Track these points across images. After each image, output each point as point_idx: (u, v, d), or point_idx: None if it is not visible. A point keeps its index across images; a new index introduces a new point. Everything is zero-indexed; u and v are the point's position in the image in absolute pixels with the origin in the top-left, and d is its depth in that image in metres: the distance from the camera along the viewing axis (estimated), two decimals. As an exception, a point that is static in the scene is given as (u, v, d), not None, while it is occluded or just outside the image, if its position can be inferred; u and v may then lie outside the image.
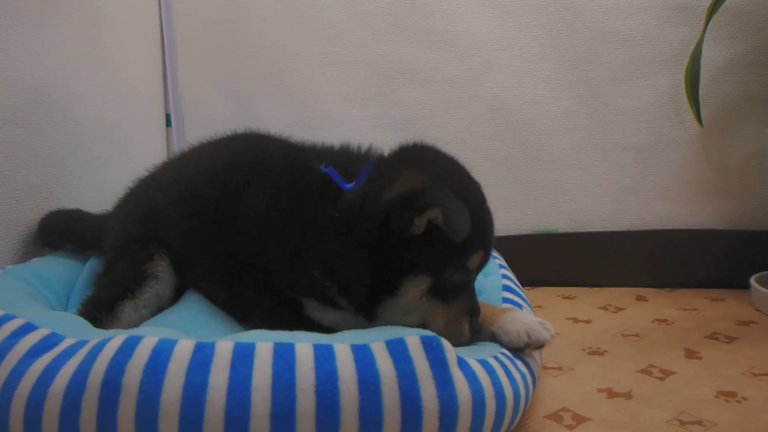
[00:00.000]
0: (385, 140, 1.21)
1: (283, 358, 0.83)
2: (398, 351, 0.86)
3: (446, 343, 0.89)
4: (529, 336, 1.05)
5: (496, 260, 1.60)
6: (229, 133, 1.38)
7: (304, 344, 0.86)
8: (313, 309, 1.10)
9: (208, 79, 2.28)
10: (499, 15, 2.09)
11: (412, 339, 0.88)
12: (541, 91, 2.09)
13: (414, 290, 1.01)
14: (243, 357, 0.83)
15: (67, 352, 0.89)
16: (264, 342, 0.86)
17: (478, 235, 1.01)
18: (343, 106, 2.20)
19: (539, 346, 1.07)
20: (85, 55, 1.82)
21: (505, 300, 1.33)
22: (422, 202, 0.93)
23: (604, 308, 1.81)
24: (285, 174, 1.14)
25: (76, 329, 1.00)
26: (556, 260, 2.10)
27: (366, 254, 0.98)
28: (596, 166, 2.09)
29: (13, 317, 0.99)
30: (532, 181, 2.13)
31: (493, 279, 1.46)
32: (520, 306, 1.32)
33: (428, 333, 0.89)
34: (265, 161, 1.20)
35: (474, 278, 1.11)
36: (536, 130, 2.11)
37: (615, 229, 2.08)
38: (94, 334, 0.95)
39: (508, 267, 1.60)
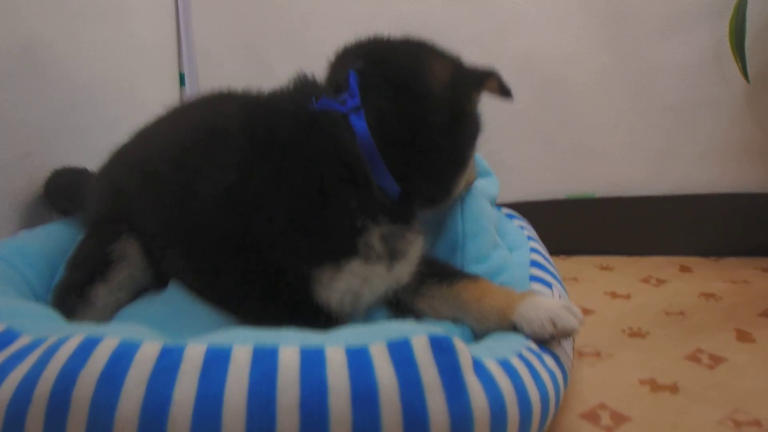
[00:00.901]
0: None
1: (263, 364, 0.66)
2: (401, 354, 0.68)
3: (459, 345, 0.70)
4: (555, 325, 0.87)
5: (524, 231, 1.40)
6: (196, 97, 1.22)
7: (289, 347, 0.68)
8: (327, 281, 0.90)
9: (222, 36, 2.12)
10: (527, -34, 1.84)
11: (419, 340, 0.69)
12: (573, 48, 1.84)
13: (471, 156, 1.08)
14: (216, 363, 0.66)
15: (20, 354, 0.73)
16: (242, 345, 0.69)
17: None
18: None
19: (567, 335, 0.89)
20: (84, 9, 1.64)
21: (533, 278, 1.14)
22: (475, 77, 0.99)
23: (645, 281, 1.60)
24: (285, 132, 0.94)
25: (39, 323, 0.83)
26: (592, 227, 1.88)
27: (438, 142, 0.94)
28: (633, 127, 1.85)
29: (-36, 308, 0.84)
30: (565, 144, 1.90)
31: (521, 254, 1.26)
32: (549, 285, 1.12)
33: (438, 331, 0.71)
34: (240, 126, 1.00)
35: None
36: (568, 90, 1.87)
37: (655, 194, 1.85)
38: (56, 330, 0.79)
39: (537, 238, 1.40)
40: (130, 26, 1.88)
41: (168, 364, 0.67)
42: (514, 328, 0.90)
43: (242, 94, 1.11)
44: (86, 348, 0.69)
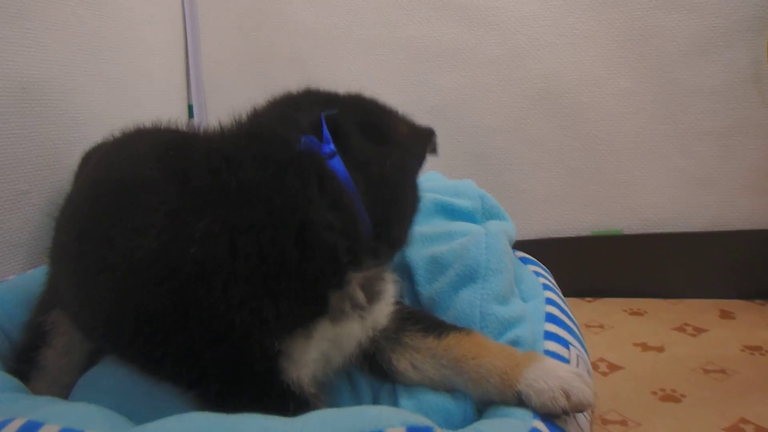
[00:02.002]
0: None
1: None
2: (375, 451, 0.58)
3: (445, 438, 0.60)
4: (568, 397, 0.75)
5: (541, 278, 1.28)
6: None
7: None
8: (299, 355, 0.76)
9: (231, 65, 2.09)
10: (545, -14, 1.75)
11: (396, 432, 0.59)
12: (596, 70, 1.75)
13: None
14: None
15: None
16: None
17: None
18: (372, 93, 1.93)
19: (581, 409, 0.76)
20: (88, 47, 1.62)
21: (549, 335, 1.02)
22: (428, 131, 1.01)
23: (680, 329, 1.46)
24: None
25: None
26: (620, 267, 1.77)
27: (398, 189, 0.93)
28: (665, 155, 1.74)
29: None
30: (590, 174, 1.79)
31: (535, 305, 1.14)
32: (566, 344, 1.00)
33: (418, 421, 0.61)
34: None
35: None
36: (592, 116, 1.77)
37: (690, 230, 1.73)
38: (7, 406, 0.73)
39: (555, 286, 1.28)
40: (137, 59, 1.86)
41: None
42: (519, 397, 0.78)
43: (161, 130, 1.02)
44: None
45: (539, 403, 0.76)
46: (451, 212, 1.35)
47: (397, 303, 0.93)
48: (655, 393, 1.14)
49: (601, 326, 1.51)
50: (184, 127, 1.03)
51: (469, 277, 1.08)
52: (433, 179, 1.56)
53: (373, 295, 0.86)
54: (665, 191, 1.73)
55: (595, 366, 1.27)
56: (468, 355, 0.84)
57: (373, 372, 0.93)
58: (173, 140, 0.92)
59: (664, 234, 1.73)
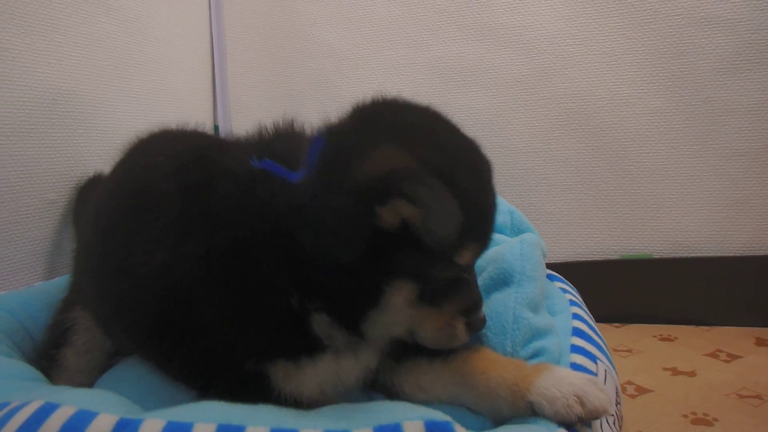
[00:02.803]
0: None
1: (224, 448, 0.58)
2: (391, 444, 0.58)
3: (462, 432, 0.60)
4: (582, 404, 0.73)
5: (567, 294, 1.28)
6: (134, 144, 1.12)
7: (256, 429, 0.60)
8: (285, 376, 0.78)
9: (257, 85, 2.15)
10: (572, 5, 1.78)
11: (413, 426, 0.59)
12: (626, 89, 1.75)
13: (397, 298, 0.76)
14: (170, 444, 0.59)
15: None
16: (205, 423, 0.61)
17: (473, 225, 0.76)
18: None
19: (597, 416, 0.75)
20: (117, 63, 1.69)
21: (575, 348, 1.01)
22: (386, 191, 0.68)
23: (713, 355, 1.43)
24: (193, 198, 0.82)
25: (11, 384, 0.81)
26: (650, 292, 1.74)
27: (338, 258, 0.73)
28: (698, 176, 1.72)
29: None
30: (619, 196, 1.78)
31: (561, 320, 1.13)
32: (593, 358, 0.99)
33: (436, 416, 0.61)
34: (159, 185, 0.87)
35: (471, 270, 0.85)
36: (621, 136, 1.77)
37: (724, 254, 1.70)
38: (25, 392, 0.75)
39: (582, 303, 1.27)
40: (165, 77, 1.92)
41: (117, 442, 0.59)
42: (531, 408, 0.77)
43: (189, 134, 1.03)
44: (41, 415, 0.65)
45: (553, 412, 0.75)
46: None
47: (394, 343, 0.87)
48: (686, 416, 1.11)
49: (630, 350, 1.48)
50: (208, 134, 1.05)
51: (503, 281, 1.08)
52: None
53: (374, 337, 0.81)
54: (698, 213, 1.71)
55: (622, 388, 1.25)
56: (476, 371, 0.83)
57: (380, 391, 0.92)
58: (191, 154, 0.92)
59: (697, 258, 1.71)
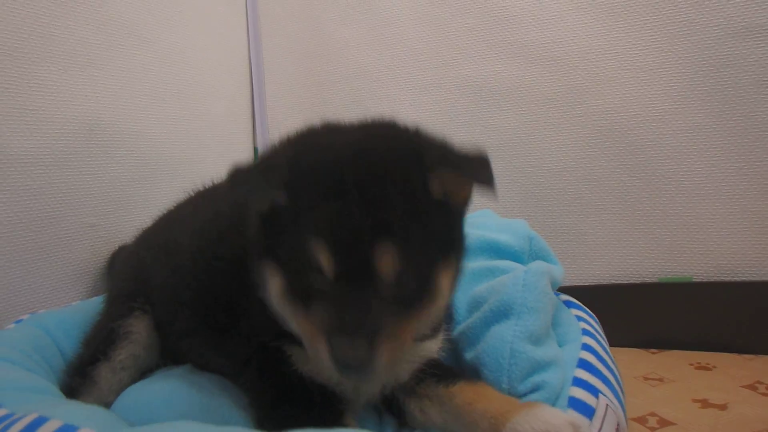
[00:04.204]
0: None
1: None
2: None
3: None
4: None
5: (582, 323, 1.25)
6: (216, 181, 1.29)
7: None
8: (299, 358, 0.89)
9: (294, 108, 2.23)
10: (604, 19, 1.75)
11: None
12: (663, 105, 1.70)
13: (271, 282, 0.81)
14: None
15: None
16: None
17: (318, 220, 0.74)
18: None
19: None
20: (153, 92, 1.81)
21: (576, 381, 0.99)
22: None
23: (751, 387, 1.36)
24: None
25: (23, 396, 0.90)
26: (689, 317, 1.67)
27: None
28: (740, 195, 1.64)
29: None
30: (656, 217, 1.73)
31: (569, 350, 1.11)
32: (596, 393, 0.97)
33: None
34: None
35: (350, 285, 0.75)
36: (658, 153, 1.72)
37: (769, 278, 1.61)
38: (32, 405, 0.83)
39: (597, 332, 1.24)
40: (203, 103, 2.03)
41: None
42: None
43: None
44: (32, 427, 0.73)
45: None
46: (496, 251, 1.35)
47: (426, 364, 0.96)
48: (704, 454, 1.07)
49: (661, 379, 1.43)
50: None
51: (502, 313, 1.08)
52: (484, 215, 1.57)
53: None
54: (740, 235, 1.63)
55: (643, 420, 1.21)
56: (466, 401, 0.88)
57: (386, 408, 1.01)
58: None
59: (739, 282, 1.63)
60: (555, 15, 1.80)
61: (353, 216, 0.72)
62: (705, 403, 1.29)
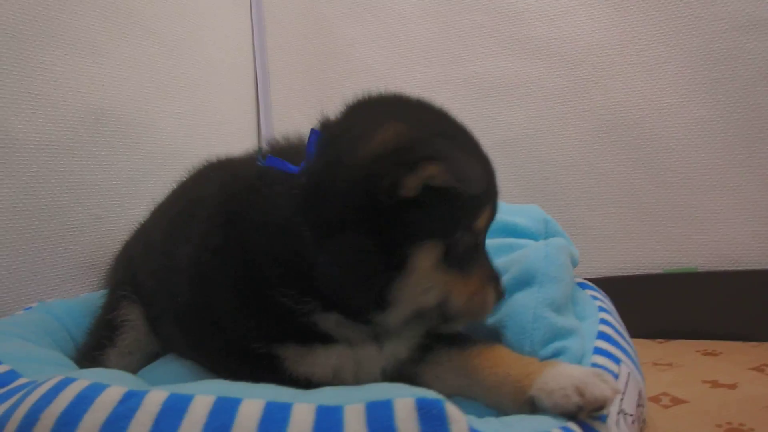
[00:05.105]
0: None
1: (221, 417, 0.63)
2: (380, 419, 0.62)
3: (453, 412, 0.63)
4: (582, 394, 0.75)
5: (597, 301, 1.28)
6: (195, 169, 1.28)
7: (253, 401, 0.65)
8: (295, 359, 0.84)
9: (299, 108, 2.24)
10: (610, 14, 1.80)
11: (404, 403, 0.63)
12: (668, 98, 1.75)
13: (425, 260, 0.80)
14: (172, 412, 0.64)
15: (10, 392, 0.79)
16: (204, 395, 0.66)
17: (487, 186, 0.87)
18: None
19: (599, 407, 0.76)
20: (159, 84, 1.81)
21: (597, 351, 1.02)
22: (412, 156, 0.74)
23: (758, 369, 1.39)
24: (214, 201, 0.96)
25: (44, 368, 0.90)
26: (695, 306, 1.70)
27: (353, 232, 0.78)
28: (744, 187, 1.69)
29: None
30: (662, 209, 1.77)
31: (588, 324, 1.14)
32: (617, 360, 1.00)
33: (428, 394, 0.65)
34: (200, 197, 1.05)
35: (483, 240, 0.92)
36: (663, 146, 1.76)
37: (773, 268, 1.65)
38: (54, 373, 0.83)
39: (612, 311, 1.27)
40: (208, 99, 2.03)
41: (125, 409, 0.65)
42: (533, 405, 0.79)
43: (240, 159, 1.14)
44: (57, 388, 0.71)
45: (551, 404, 0.77)
46: (513, 232, 1.37)
47: (426, 335, 0.94)
48: (720, 426, 1.09)
49: (670, 364, 1.46)
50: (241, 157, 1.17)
51: (525, 282, 1.10)
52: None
53: (382, 333, 0.88)
54: (744, 226, 1.68)
55: (656, 399, 1.23)
56: (485, 365, 0.87)
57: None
58: (233, 171, 1.07)
59: (743, 272, 1.66)
60: (562, 10, 1.84)
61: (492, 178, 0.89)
62: (715, 384, 1.31)
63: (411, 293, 0.81)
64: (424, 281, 0.81)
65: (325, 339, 0.85)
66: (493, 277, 0.90)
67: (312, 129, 0.87)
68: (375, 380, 0.89)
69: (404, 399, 0.64)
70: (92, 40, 1.58)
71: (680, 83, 1.73)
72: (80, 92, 1.54)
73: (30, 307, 1.30)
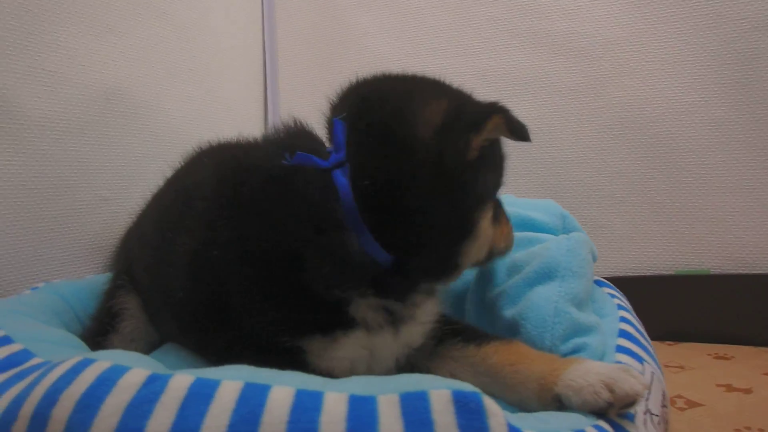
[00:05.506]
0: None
1: (250, 403, 0.60)
2: (416, 411, 0.59)
3: (490, 405, 0.61)
4: (611, 390, 0.73)
5: (614, 299, 1.26)
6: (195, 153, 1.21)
7: (283, 388, 0.62)
8: (319, 352, 0.82)
9: (307, 95, 2.22)
10: (630, 10, 1.78)
11: (440, 395, 0.61)
12: (686, 98, 1.73)
13: (486, 222, 0.88)
14: (198, 397, 0.62)
15: (24, 372, 0.76)
16: (232, 381, 0.64)
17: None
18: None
19: (629, 403, 0.74)
20: (171, 67, 1.79)
21: (620, 349, 1.00)
22: (473, 117, 0.80)
23: (772, 374, 1.38)
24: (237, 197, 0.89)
25: (57, 349, 0.87)
26: (706, 309, 1.68)
27: (428, 209, 0.80)
28: (760, 189, 1.67)
29: (-7, 329, 0.89)
30: (675, 209, 1.75)
31: (608, 322, 1.12)
32: (640, 359, 0.98)
33: (464, 387, 0.62)
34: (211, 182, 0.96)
35: None
36: (679, 146, 1.74)
37: (788, 272, 1.63)
38: (68, 355, 0.80)
39: (629, 308, 1.25)
40: (217, 84, 2.01)
41: (149, 393, 0.63)
42: (560, 402, 0.77)
43: (234, 145, 1.09)
44: (77, 369, 0.69)
45: (580, 401, 0.75)
46: (531, 227, 1.35)
47: (438, 321, 0.94)
48: (738, 430, 1.08)
49: (682, 367, 1.44)
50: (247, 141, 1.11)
51: (546, 275, 1.08)
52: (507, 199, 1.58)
53: (399, 318, 0.87)
54: (759, 228, 1.66)
55: (671, 402, 1.22)
56: (505, 362, 0.86)
57: None
58: (231, 155, 1.03)
59: (757, 275, 1.65)
60: (580, 5, 1.82)
61: None
62: (729, 388, 1.30)
63: (474, 254, 0.88)
64: (484, 241, 0.88)
65: (347, 326, 0.83)
66: (505, 214, 1.01)
67: (335, 120, 0.84)
68: (389, 371, 0.88)
69: (440, 391, 0.61)
70: (107, 18, 1.56)
71: (699, 83, 1.71)
72: (92, 71, 1.51)
73: (36, 287, 1.28)
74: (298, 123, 0.94)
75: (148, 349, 1.15)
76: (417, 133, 0.79)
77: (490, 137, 0.82)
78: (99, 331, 1.10)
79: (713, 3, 1.68)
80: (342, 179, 0.79)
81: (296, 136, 0.91)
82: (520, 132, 0.82)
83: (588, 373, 0.76)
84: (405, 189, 0.79)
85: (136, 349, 1.10)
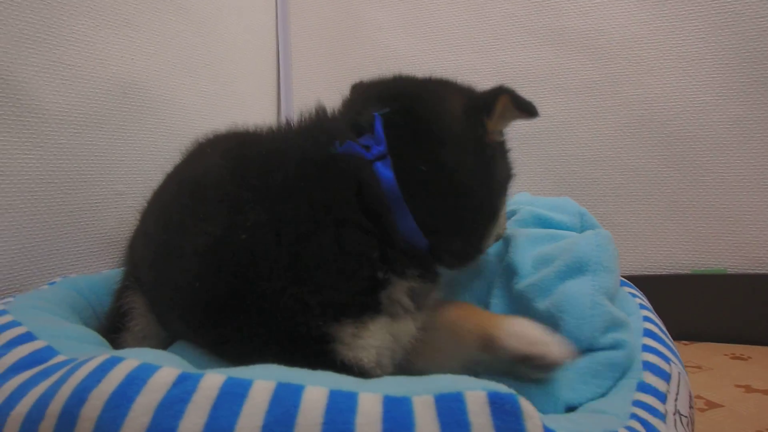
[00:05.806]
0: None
1: (283, 404, 0.59)
2: (451, 412, 0.58)
3: (527, 407, 0.60)
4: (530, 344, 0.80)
5: (636, 298, 1.25)
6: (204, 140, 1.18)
7: (317, 388, 0.61)
8: (349, 340, 0.80)
9: (321, 91, 2.20)
10: (648, 7, 1.76)
11: (475, 396, 0.59)
12: (704, 96, 1.71)
13: (504, 207, 1.00)
14: (231, 397, 0.61)
15: (49, 370, 0.74)
16: (265, 380, 0.63)
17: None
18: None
19: (547, 365, 0.80)
20: (187, 61, 1.78)
21: (646, 349, 0.98)
22: (482, 100, 0.89)
23: (792, 375, 1.37)
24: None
25: (80, 346, 0.86)
26: (723, 309, 1.67)
27: (465, 197, 0.89)
28: (780, 189, 1.65)
29: (17, 324, 0.88)
30: (692, 208, 1.73)
31: (634, 321, 1.10)
32: (667, 359, 0.96)
33: (499, 388, 0.61)
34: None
35: None
36: (697, 145, 1.72)
37: (807, 272, 1.62)
38: (93, 352, 0.79)
39: (650, 308, 1.24)
40: (231, 79, 2.00)
41: (180, 392, 0.62)
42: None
43: (243, 134, 1.08)
44: (105, 367, 0.67)
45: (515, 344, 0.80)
46: (549, 226, 1.34)
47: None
48: (760, 431, 1.07)
49: (699, 367, 1.43)
50: (258, 129, 1.08)
51: (578, 269, 1.05)
52: (522, 197, 1.56)
53: (424, 303, 0.90)
54: (778, 228, 1.65)
55: (692, 402, 1.20)
56: (448, 320, 0.91)
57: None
58: (239, 142, 1.03)
59: (776, 274, 1.63)
60: (597, 2, 1.80)
61: None
62: (748, 389, 1.29)
63: (492, 237, 0.97)
64: (500, 225, 0.98)
65: (374, 311, 0.83)
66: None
67: (375, 115, 0.89)
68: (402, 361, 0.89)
69: (475, 392, 0.60)
70: (124, 12, 1.55)
71: (717, 81, 1.69)
72: (110, 65, 1.50)
73: (54, 282, 1.27)
74: (322, 112, 0.97)
75: (162, 345, 1.13)
76: (448, 126, 0.87)
77: (502, 119, 0.89)
78: (111, 329, 1.09)
79: (731, 2, 1.66)
80: (384, 170, 0.84)
81: (331, 126, 0.92)
82: (527, 108, 0.87)
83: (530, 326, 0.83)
84: (443, 177, 0.86)
85: (149, 346, 1.09)
